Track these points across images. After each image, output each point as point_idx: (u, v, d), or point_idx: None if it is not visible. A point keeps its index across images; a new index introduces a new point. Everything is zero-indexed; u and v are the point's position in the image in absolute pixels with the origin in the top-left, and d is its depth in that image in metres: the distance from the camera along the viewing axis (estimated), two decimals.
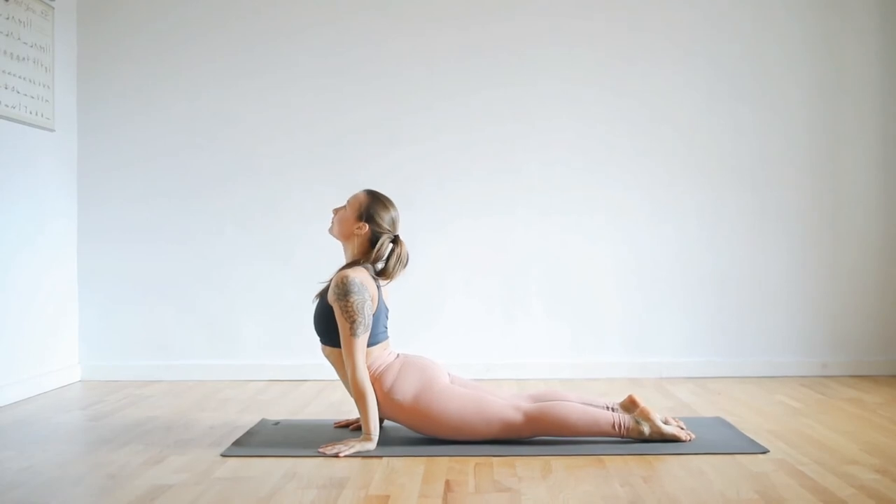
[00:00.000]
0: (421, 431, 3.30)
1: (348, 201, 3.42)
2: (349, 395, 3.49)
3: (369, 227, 3.33)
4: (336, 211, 3.44)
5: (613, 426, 3.24)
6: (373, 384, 3.26)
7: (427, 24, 4.96)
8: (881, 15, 4.95)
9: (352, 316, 3.18)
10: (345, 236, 3.39)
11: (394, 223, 3.38)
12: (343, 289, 3.20)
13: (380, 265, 3.37)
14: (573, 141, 4.94)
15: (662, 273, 4.93)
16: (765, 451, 3.12)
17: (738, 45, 4.94)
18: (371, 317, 3.23)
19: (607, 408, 3.37)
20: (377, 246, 3.33)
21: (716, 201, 4.94)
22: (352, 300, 3.18)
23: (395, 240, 3.38)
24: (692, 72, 4.95)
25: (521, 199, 4.95)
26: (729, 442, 3.25)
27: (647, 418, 3.25)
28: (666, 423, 3.30)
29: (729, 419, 3.68)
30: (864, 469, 2.89)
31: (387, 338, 3.40)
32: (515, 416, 3.25)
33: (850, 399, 4.16)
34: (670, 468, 2.94)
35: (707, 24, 4.95)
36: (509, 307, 4.93)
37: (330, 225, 3.45)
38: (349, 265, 3.34)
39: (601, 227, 4.94)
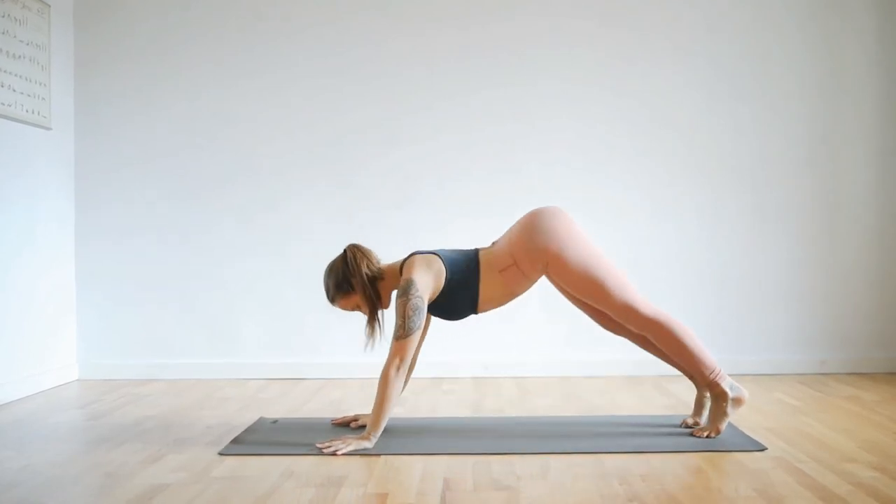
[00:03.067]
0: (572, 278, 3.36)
1: (339, 306, 3.41)
2: (378, 386, 3.46)
3: (351, 289, 3.33)
4: (356, 308, 3.41)
5: (714, 371, 3.30)
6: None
7: (427, 24, 4.96)
8: (880, 15, 4.95)
9: (400, 318, 3.20)
10: (379, 303, 3.38)
11: (341, 272, 3.35)
12: (402, 288, 3.24)
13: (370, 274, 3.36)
14: (573, 141, 4.94)
15: (662, 272, 4.92)
16: (763, 449, 3.11)
17: (738, 45, 4.94)
18: (420, 321, 3.20)
19: None
20: (363, 275, 3.33)
21: (715, 201, 4.94)
22: (401, 301, 3.20)
23: (343, 256, 3.37)
24: (692, 72, 4.95)
25: (521, 199, 4.93)
26: (727, 439, 3.25)
27: (740, 404, 3.31)
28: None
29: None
30: (862, 467, 2.88)
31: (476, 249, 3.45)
32: (645, 307, 3.32)
33: (849, 397, 4.16)
34: (669, 466, 2.94)
35: (707, 25, 4.95)
36: (508, 306, 4.91)
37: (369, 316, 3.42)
38: (408, 267, 3.32)
39: (601, 227, 4.93)
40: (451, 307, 3.39)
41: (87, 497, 2.67)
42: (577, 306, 3.61)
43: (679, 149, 4.95)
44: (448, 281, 3.32)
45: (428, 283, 3.26)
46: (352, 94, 4.95)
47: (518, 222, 3.44)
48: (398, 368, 3.18)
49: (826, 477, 2.77)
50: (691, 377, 3.46)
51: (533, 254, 3.32)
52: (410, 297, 3.19)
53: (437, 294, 3.32)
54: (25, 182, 4.46)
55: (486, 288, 3.36)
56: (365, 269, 3.34)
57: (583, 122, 4.94)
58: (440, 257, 3.34)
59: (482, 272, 3.35)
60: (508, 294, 3.43)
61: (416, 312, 3.18)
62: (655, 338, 3.34)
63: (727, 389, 3.30)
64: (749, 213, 4.94)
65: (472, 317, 4.93)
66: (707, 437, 3.27)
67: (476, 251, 3.44)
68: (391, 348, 3.21)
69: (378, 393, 3.19)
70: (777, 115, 4.95)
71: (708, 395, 3.46)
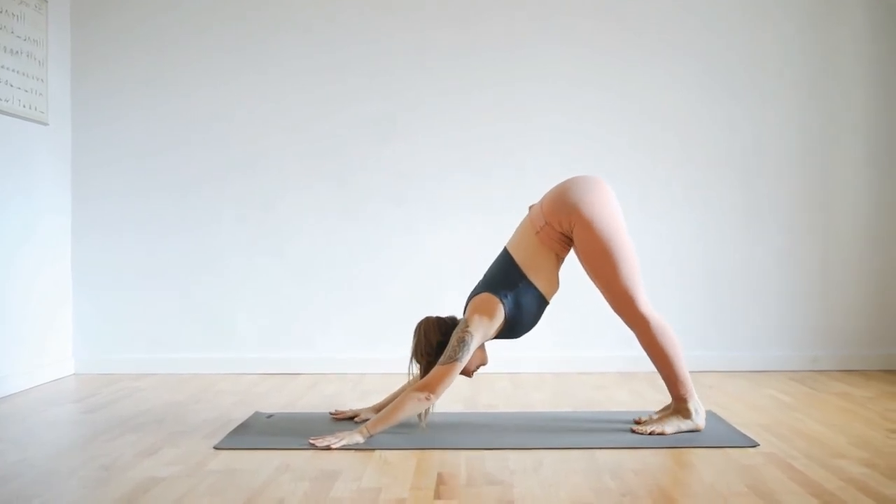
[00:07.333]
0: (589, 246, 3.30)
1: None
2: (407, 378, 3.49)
3: (439, 341, 3.35)
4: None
5: (686, 390, 3.30)
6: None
7: (425, 21, 4.96)
8: (873, 13, 4.96)
9: (454, 344, 3.22)
10: (475, 362, 3.40)
11: (426, 337, 3.37)
12: (458, 325, 3.28)
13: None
14: (569, 138, 4.95)
15: (655, 269, 4.93)
16: (755, 445, 3.13)
17: (733, 42, 4.95)
18: (464, 354, 3.21)
19: None
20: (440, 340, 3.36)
21: (709, 198, 4.96)
22: (454, 334, 3.25)
23: (418, 329, 3.40)
24: (686, 69, 4.96)
25: (518, 195, 4.95)
26: (719, 435, 3.27)
27: (695, 429, 3.29)
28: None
29: (720, 413, 3.69)
30: (853, 462, 2.91)
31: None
32: (643, 303, 3.30)
33: (840, 393, 4.19)
34: (661, 461, 2.96)
35: (702, 22, 4.96)
36: None
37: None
38: (469, 307, 3.36)
39: None
40: (528, 315, 3.37)
41: (82, 490, 2.69)
42: None
43: (673, 146, 4.96)
44: (509, 309, 3.31)
45: (482, 321, 3.27)
46: (348, 89, 4.95)
47: (558, 184, 3.43)
48: (427, 399, 3.20)
49: (817, 472, 2.79)
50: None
51: (561, 212, 3.29)
52: (459, 331, 3.26)
53: (502, 329, 3.34)
54: (22, 177, 4.46)
55: (536, 275, 3.34)
56: (434, 340, 3.35)
57: (578, 119, 4.95)
58: (497, 297, 3.31)
59: (523, 269, 3.34)
60: (550, 256, 3.36)
61: (461, 345, 3.22)
62: (640, 336, 3.33)
63: (692, 410, 3.31)
64: (742, 210, 4.97)
65: None
66: (650, 433, 3.26)
67: (505, 251, 3.43)
68: (431, 372, 3.23)
69: (394, 406, 3.21)
70: (771, 112, 4.96)
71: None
